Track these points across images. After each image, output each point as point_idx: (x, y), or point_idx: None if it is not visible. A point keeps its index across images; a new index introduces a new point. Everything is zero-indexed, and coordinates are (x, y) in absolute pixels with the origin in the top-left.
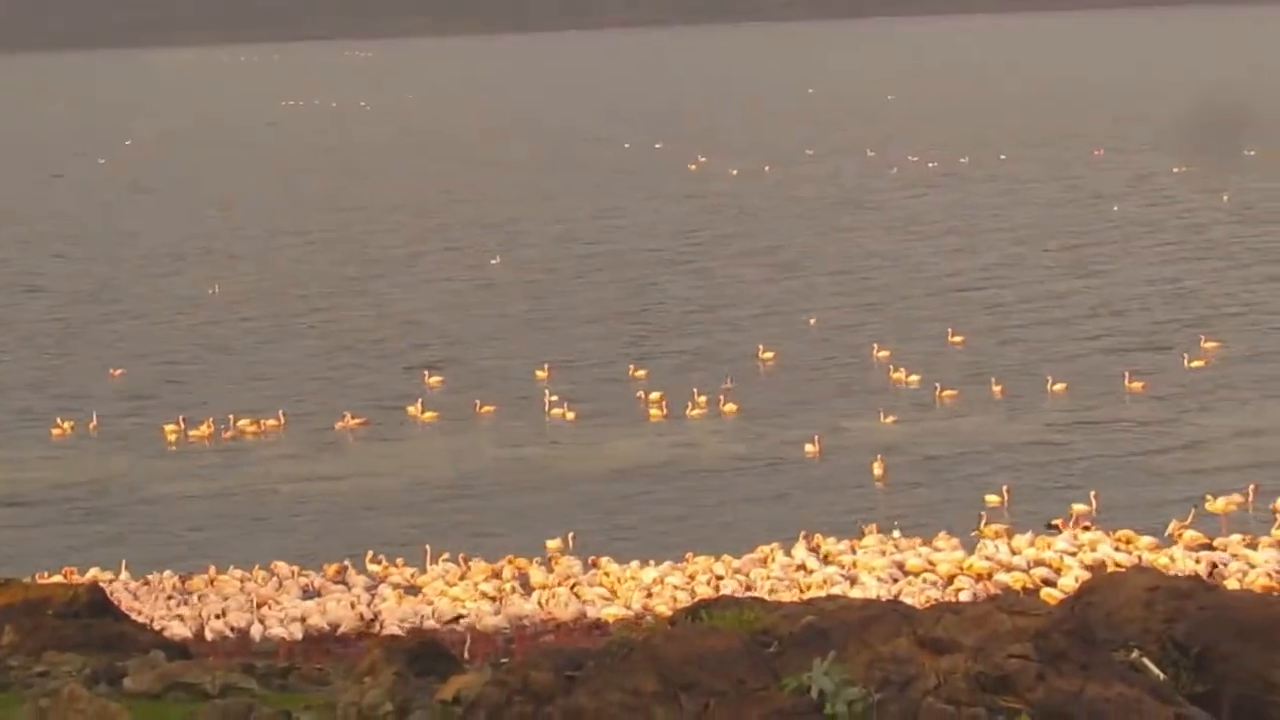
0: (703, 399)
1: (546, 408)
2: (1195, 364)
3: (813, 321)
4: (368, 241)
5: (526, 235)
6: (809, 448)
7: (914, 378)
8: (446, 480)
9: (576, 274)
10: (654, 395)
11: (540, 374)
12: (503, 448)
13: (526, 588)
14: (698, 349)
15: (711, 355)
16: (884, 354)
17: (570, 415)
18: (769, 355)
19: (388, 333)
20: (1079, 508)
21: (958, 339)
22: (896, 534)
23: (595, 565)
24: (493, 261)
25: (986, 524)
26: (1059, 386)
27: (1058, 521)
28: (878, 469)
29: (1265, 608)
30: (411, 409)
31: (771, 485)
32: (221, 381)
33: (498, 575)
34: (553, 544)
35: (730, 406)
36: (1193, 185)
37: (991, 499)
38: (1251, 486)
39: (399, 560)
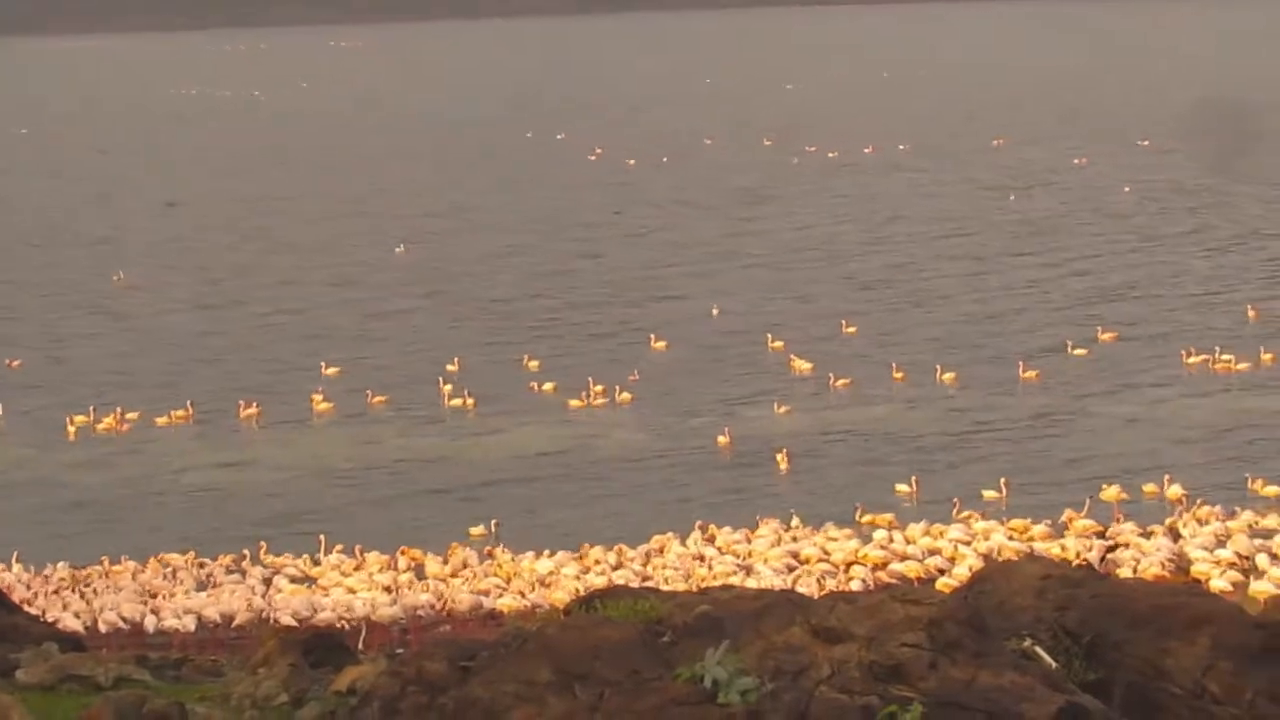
0: (599, 388)
1: (445, 398)
2: (1082, 353)
3: (715, 311)
4: (270, 231)
5: (430, 225)
6: (721, 439)
7: (808, 366)
8: (344, 470)
9: (479, 264)
10: (549, 386)
11: (450, 367)
12: (401, 438)
13: (422, 578)
14: (599, 339)
15: (612, 345)
16: (779, 344)
17: (469, 405)
18: (666, 345)
19: (289, 322)
20: (990, 494)
21: (852, 329)
22: (795, 523)
23: (491, 556)
24: (397, 250)
25: (868, 514)
26: (949, 376)
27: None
28: (779, 459)
29: (1156, 596)
30: (311, 399)
31: (670, 475)
32: (122, 371)
33: (393, 566)
34: (476, 530)
35: (627, 396)
36: (1092, 175)
37: (901, 488)
38: (1165, 477)
39: (288, 554)
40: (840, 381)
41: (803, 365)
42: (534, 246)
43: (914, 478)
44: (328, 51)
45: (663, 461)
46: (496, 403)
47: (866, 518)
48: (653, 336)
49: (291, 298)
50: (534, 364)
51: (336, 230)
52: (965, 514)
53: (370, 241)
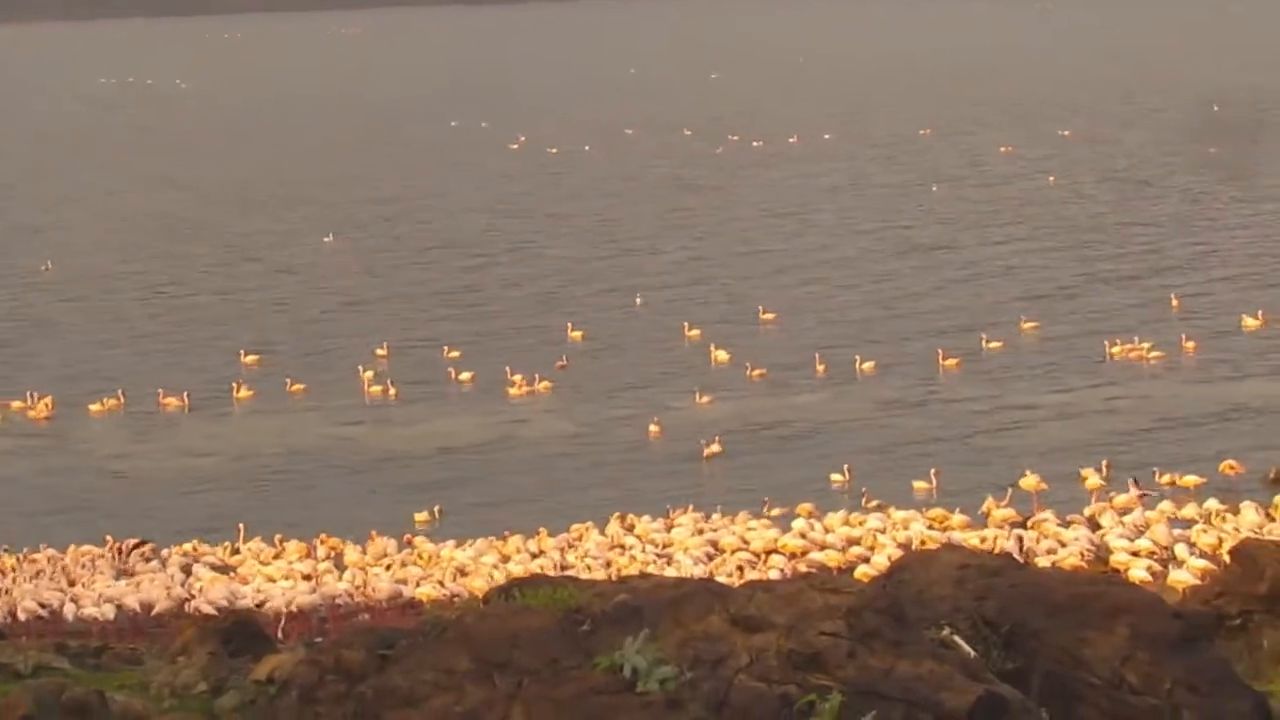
0: (518, 377)
1: (366, 386)
2: (997, 346)
3: (638, 301)
4: (198, 220)
5: (354, 214)
6: (652, 428)
7: (726, 356)
8: (264, 459)
9: (404, 252)
10: (466, 375)
11: (378, 354)
12: (322, 427)
13: (341, 567)
14: (522, 328)
15: (535, 334)
16: (695, 333)
17: (392, 394)
18: (585, 335)
19: (211, 310)
20: (920, 485)
21: (769, 314)
22: (717, 514)
23: (410, 544)
24: (325, 239)
25: (776, 507)
26: (869, 365)
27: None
28: (703, 449)
29: (1074, 585)
30: (234, 388)
31: (593, 465)
32: (51, 360)
33: (312, 555)
34: (420, 516)
35: (546, 385)
36: (1018, 165)
37: (836, 477)
38: (1104, 462)
39: (205, 542)
40: (757, 371)
41: (727, 357)
42: (455, 236)
43: (847, 467)
44: (299, 39)
45: (584, 451)
46: (418, 392)
47: (775, 511)
48: (570, 325)
49: (215, 286)
50: (454, 353)
51: (260, 218)
52: (875, 503)
53: (294, 231)
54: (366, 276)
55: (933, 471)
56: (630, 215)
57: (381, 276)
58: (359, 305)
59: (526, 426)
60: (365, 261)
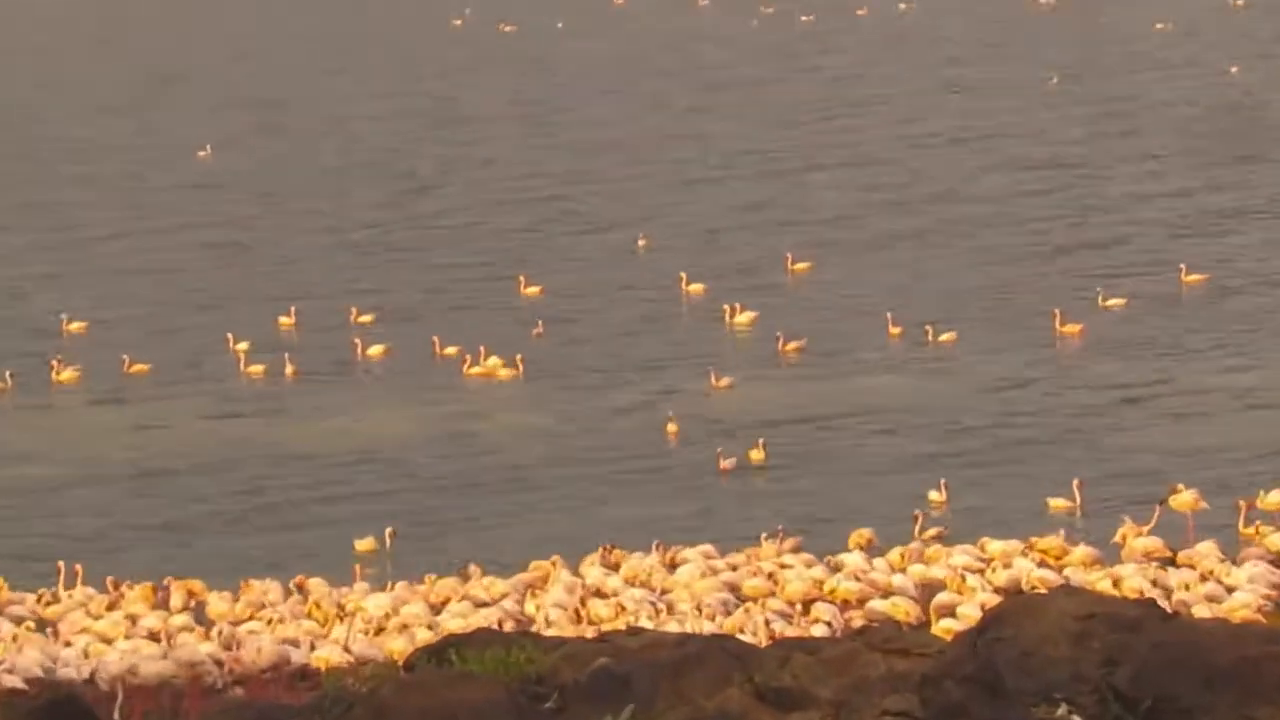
0: (453, 350)
1: (241, 365)
2: (1142, 302)
3: (640, 243)
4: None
5: (244, 119)
6: (670, 428)
7: (749, 320)
8: (97, 469)
9: (306, 172)
10: (376, 350)
11: (284, 319)
12: (175, 422)
13: (204, 622)
14: (471, 284)
15: (493, 292)
16: (697, 288)
17: (288, 376)
18: (540, 290)
19: (28, 258)
20: (1059, 502)
21: (801, 264)
22: (775, 542)
23: (301, 589)
24: (199, 154)
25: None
26: (947, 334)
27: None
28: (718, 456)
29: (1243, 646)
30: (52, 367)
31: (566, 477)
32: None
33: (163, 604)
34: (363, 544)
35: (499, 362)
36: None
37: (934, 496)
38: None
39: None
40: (791, 344)
41: (741, 320)
42: (378, 150)
43: (943, 483)
44: None
45: (555, 456)
46: (325, 374)
47: (859, 533)
48: (523, 279)
49: (35, 219)
50: (366, 318)
51: (110, 125)
52: (931, 532)
53: (159, 143)
54: (251, 206)
55: (1075, 484)
56: (623, 120)
57: (274, 205)
58: (236, 250)
59: (479, 421)
60: (249, 186)
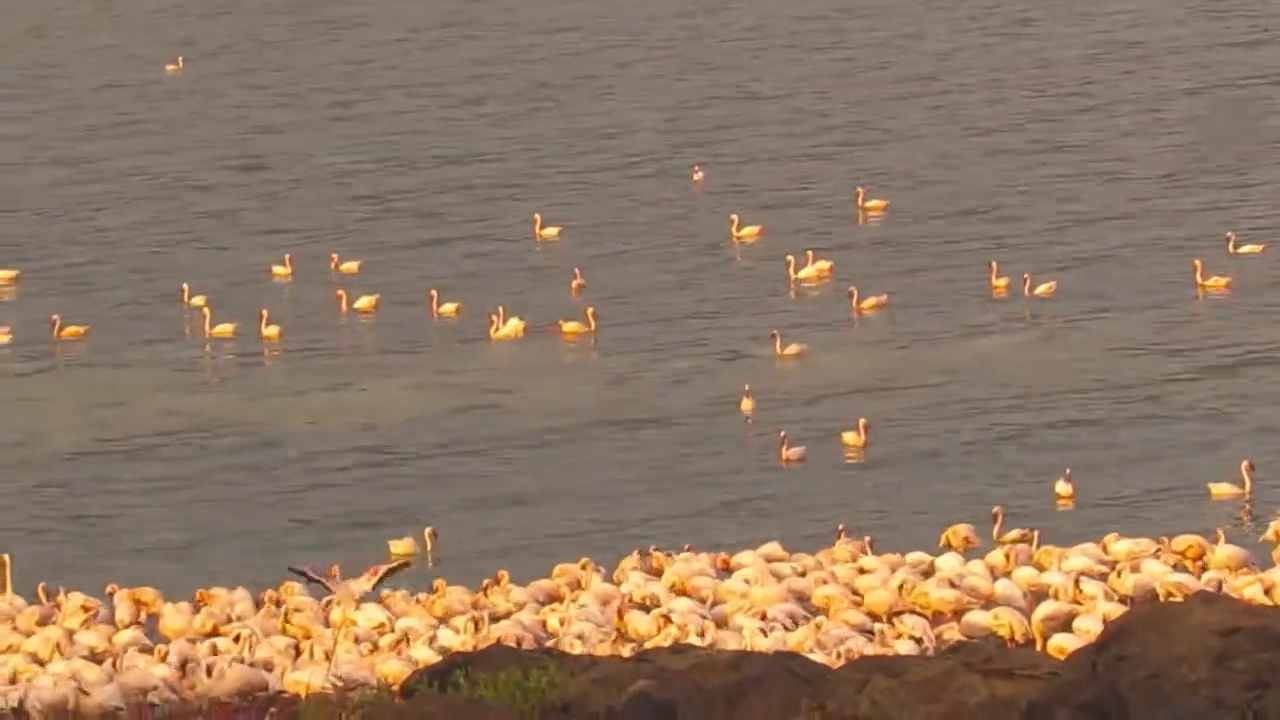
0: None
1: (204, 325)
2: None
3: (696, 176)
4: None
5: (225, 25)
6: (745, 403)
7: (819, 273)
8: (22, 451)
9: (284, 88)
10: (365, 301)
11: (279, 270)
12: (127, 394)
13: (156, 640)
14: (482, 224)
15: (505, 230)
16: (750, 231)
17: (271, 336)
18: (559, 232)
19: None
20: (1221, 489)
21: (876, 201)
22: (851, 542)
23: (276, 602)
24: (168, 68)
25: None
26: (1045, 285)
27: None
28: (781, 440)
29: None
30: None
31: (598, 462)
32: None
33: (104, 617)
34: (400, 547)
35: (519, 324)
36: None
37: (1062, 489)
38: None
39: None
40: (870, 301)
41: (810, 273)
42: (391, 59)
43: (1069, 471)
44: None
45: (591, 436)
46: (310, 336)
47: (957, 529)
48: (539, 218)
49: None
50: (350, 265)
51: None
52: (1013, 535)
53: (124, 53)
54: (224, 127)
55: (1244, 466)
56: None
57: (250, 128)
58: (203, 180)
59: (494, 393)
60: (227, 101)
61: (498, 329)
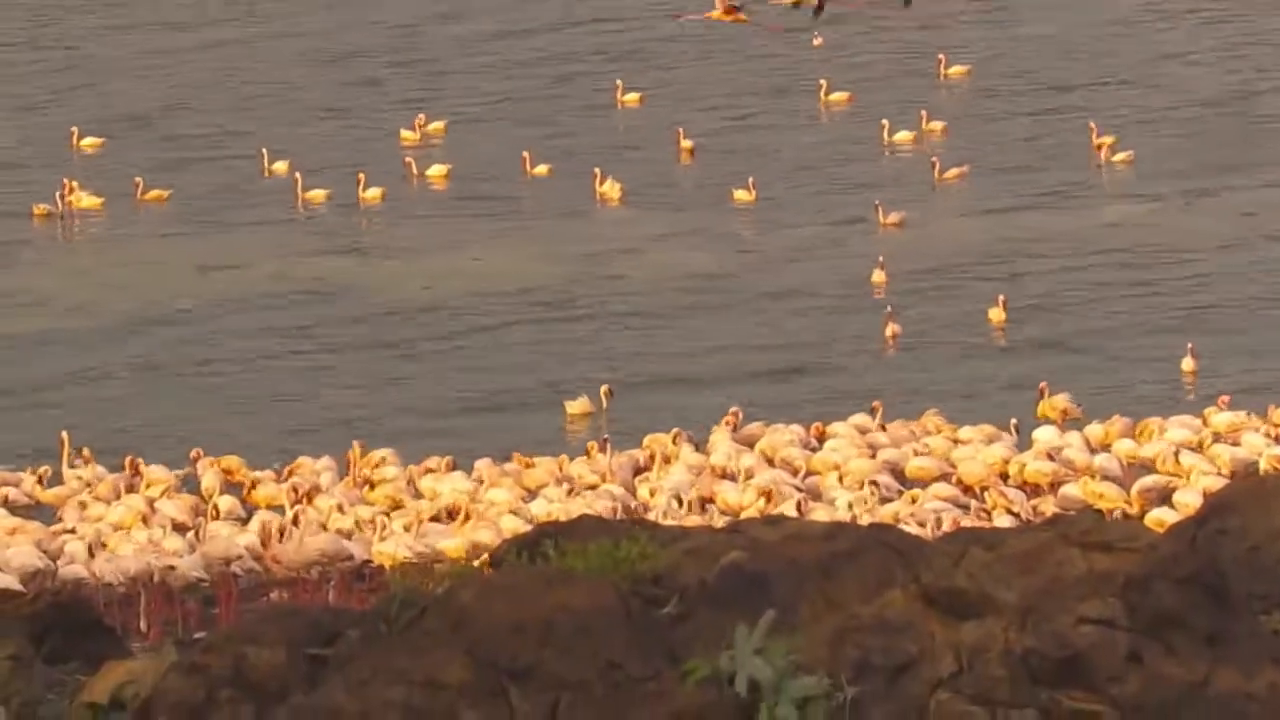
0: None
1: (299, 186)
2: None
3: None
4: None
5: None
6: (877, 275)
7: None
8: (109, 317)
9: None
10: (436, 171)
11: (416, 129)
12: (231, 257)
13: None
14: (564, 83)
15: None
16: (842, 96)
17: (363, 200)
18: (640, 98)
19: (25, 58)
20: (1187, 365)
21: (959, 67)
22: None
23: (357, 468)
24: None
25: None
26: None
27: None
28: (885, 320)
29: None
30: (61, 192)
31: (691, 324)
32: None
33: (189, 486)
34: (575, 407)
35: (616, 189)
36: None
37: (1186, 365)
38: None
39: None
40: (954, 170)
41: (903, 135)
42: None
43: (1190, 346)
44: None
45: (676, 305)
46: (398, 207)
47: (1053, 401)
48: (620, 84)
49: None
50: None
51: None
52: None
53: None
54: None
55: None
56: None
57: None
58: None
59: (612, 262)
60: None
61: (601, 196)
